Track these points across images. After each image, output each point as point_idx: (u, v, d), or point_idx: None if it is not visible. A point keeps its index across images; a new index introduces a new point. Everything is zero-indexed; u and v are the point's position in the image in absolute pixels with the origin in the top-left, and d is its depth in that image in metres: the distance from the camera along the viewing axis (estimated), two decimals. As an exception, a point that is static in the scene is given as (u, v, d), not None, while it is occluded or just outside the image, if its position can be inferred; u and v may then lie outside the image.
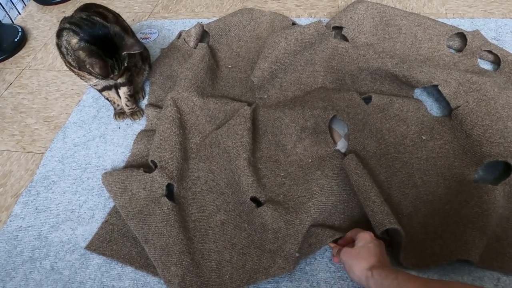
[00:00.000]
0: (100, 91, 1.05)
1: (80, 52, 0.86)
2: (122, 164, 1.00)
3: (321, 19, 1.31)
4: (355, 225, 0.80)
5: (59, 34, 0.91)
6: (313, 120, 0.91)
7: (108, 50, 0.89)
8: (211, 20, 1.31)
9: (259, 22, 1.26)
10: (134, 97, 1.10)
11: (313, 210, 0.78)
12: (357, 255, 0.66)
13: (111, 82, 0.99)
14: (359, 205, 0.82)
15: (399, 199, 0.83)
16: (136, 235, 0.81)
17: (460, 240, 0.71)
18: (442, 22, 1.12)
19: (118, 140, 1.06)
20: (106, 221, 0.88)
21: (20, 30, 1.46)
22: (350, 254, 0.67)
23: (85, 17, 0.90)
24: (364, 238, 0.68)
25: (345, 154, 0.91)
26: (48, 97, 1.23)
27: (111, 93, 1.06)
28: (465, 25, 1.19)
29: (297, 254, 0.75)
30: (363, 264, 0.64)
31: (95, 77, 0.92)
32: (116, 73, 0.93)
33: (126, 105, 1.07)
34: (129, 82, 1.04)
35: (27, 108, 1.21)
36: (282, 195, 0.84)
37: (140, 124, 1.09)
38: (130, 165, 0.98)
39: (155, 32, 1.37)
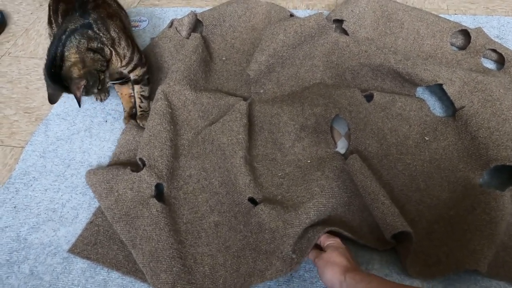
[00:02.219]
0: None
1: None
2: (109, 161, 0.94)
3: (319, 11, 1.26)
4: (357, 229, 0.76)
5: None
6: (314, 119, 0.86)
7: (59, 83, 0.82)
8: (204, 9, 1.24)
9: (254, 12, 1.20)
10: (149, 99, 1.01)
11: (313, 212, 0.74)
12: (329, 259, 0.64)
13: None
14: (360, 209, 0.79)
15: (402, 203, 0.79)
16: (123, 239, 0.76)
17: (468, 249, 0.68)
18: (445, 18, 1.08)
19: (105, 135, 0.99)
20: (91, 222, 0.82)
21: (-1, 14, 1.37)
22: (323, 258, 0.65)
23: (64, 36, 0.82)
24: (333, 245, 0.67)
25: (344, 155, 0.87)
26: (29, 87, 1.15)
27: (121, 88, 0.99)
28: (467, 22, 1.16)
29: (293, 256, 0.70)
30: (335, 268, 0.62)
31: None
32: (96, 91, 0.86)
33: (139, 106, 0.98)
34: (146, 81, 0.98)
35: (6, 98, 1.13)
36: (280, 196, 0.80)
37: (128, 118, 1.02)
38: (117, 157, 0.93)
39: (145, 20, 1.30)
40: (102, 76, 0.84)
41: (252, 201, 0.78)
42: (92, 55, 0.82)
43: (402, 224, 0.67)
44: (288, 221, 0.71)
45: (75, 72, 0.79)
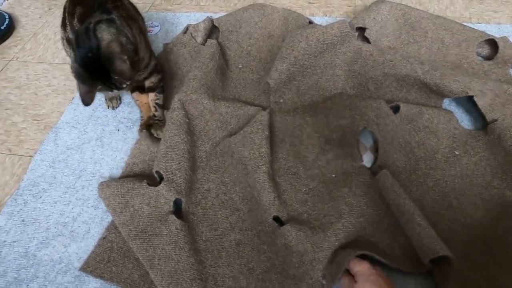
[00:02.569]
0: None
1: (72, 72, 0.76)
2: (121, 171, 0.89)
3: (338, 18, 1.22)
4: (389, 250, 0.72)
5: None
6: (340, 132, 0.82)
7: (97, 73, 0.76)
8: (218, 15, 1.21)
9: (271, 19, 1.16)
10: (164, 108, 0.96)
11: (343, 234, 0.70)
12: None
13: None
14: (389, 228, 0.74)
15: (434, 221, 0.75)
16: (140, 259, 0.71)
17: (511, 274, 0.63)
18: (471, 27, 1.05)
19: (117, 144, 0.95)
20: (104, 238, 0.78)
21: (7, 17, 1.33)
22: None
23: (91, 25, 0.77)
24: (363, 272, 0.62)
25: (370, 169, 0.83)
26: (38, 93, 1.11)
27: (140, 97, 0.95)
28: (492, 31, 1.11)
29: (324, 282, 0.66)
30: None
31: None
32: (116, 91, 0.82)
33: (154, 115, 0.94)
34: (160, 88, 0.93)
35: (14, 104, 1.09)
36: (306, 214, 0.76)
37: (142, 127, 0.98)
38: (130, 168, 0.88)
39: (157, 25, 1.26)
40: (136, 58, 0.80)
41: (277, 219, 0.74)
42: (124, 38, 0.78)
43: (442, 248, 0.63)
44: (317, 244, 0.67)
45: (116, 47, 0.74)
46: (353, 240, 0.72)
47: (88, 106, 0.77)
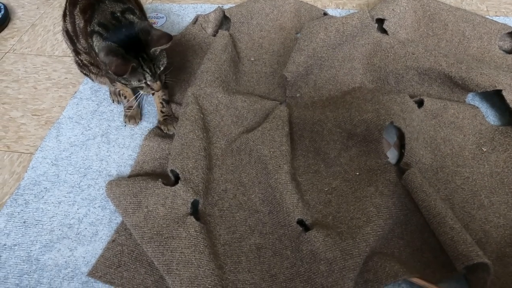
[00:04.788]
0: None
1: (101, 53, 0.72)
2: (130, 170, 0.84)
3: (351, 11, 1.18)
4: (417, 253, 0.68)
5: (91, 36, 0.76)
6: (364, 126, 0.77)
7: (132, 48, 0.73)
8: (225, 6, 1.16)
9: (282, 11, 1.11)
10: (170, 103, 0.92)
11: (372, 238, 0.65)
12: None
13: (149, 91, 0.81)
14: (418, 228, 0.70)
15: (465, 222, 0.71)
16: (156, 263, 0.66)
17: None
18: (493, 20, 1.01)
19: (124, 141, 0.90)
20: (113, 241, 0.73)
21: (2, 7, 1.26)
22: None
23: (117, 15, 0.75)
24: None
25: (396, 166, 0.78)
26: (37, 87, 1.05)
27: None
28: (511, 24, 1.08)
29: None
30: None
31: (119, 82, 0.77)
32: (149, 78, 0.75)
33: (161, 111, 0.89)
34: (165, 83, 0.88)
35: (12, 98, 1.03)
36: (331, 216, 0.71)
37: (150, 123, 0.93)
38: (140, 166, 0.83)
39: (162, 17, 1.21)
40: None
41: (301, 223, 0.69)
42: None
43: (477, 254, 0.59)
44: (347, 251, 0.62)
45: (147, 23, 0.75)
46: (383, 244, 0.67)
47: (122, 76, 0.71)
